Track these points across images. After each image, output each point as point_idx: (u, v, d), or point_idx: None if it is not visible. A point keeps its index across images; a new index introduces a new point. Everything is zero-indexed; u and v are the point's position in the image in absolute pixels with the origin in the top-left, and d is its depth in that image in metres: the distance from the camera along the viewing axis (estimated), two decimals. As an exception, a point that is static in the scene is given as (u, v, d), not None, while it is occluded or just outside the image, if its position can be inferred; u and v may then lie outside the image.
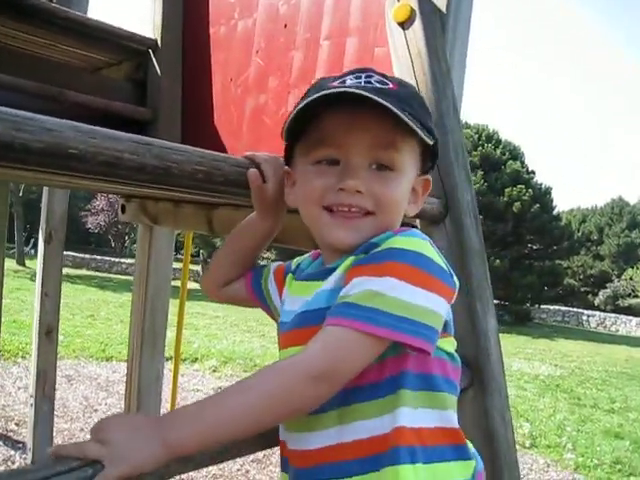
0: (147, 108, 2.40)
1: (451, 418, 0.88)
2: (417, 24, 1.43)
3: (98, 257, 25.40)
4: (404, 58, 1.45)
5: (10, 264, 19.99)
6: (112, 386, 5.63)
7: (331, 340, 0.76)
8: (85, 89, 2.29)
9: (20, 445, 3.90)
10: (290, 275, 1.06)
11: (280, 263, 1.15)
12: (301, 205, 0.95)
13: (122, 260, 24.65)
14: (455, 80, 1.52)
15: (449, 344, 0.90)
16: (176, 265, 4.18)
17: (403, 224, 0.95)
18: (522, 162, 25.09)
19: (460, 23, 1.55)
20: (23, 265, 20.54)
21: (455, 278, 0.86)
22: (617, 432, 6.19)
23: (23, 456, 3.69)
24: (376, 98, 0.79)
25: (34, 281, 3.49)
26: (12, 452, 3.86)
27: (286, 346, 0.93)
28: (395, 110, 0.80)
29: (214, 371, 6.89)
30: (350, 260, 0.86)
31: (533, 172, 25.51)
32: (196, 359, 7.36)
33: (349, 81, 0.87)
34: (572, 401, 7.78)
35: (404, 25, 1.46)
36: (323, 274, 0.92)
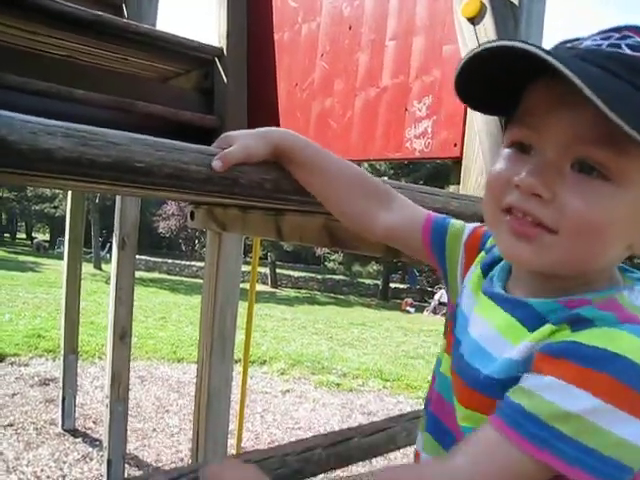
0: (214, 116, 2.43)
1: None
2: (488, 19, 1.38)
3: (169, 260, 26.22)
4: (475, 55, 1.39)
5: (88, 268, 20.89)
6: (183, 387, 5.76)
7: (491, 449, 0.59)
8: (155, 99, 2.35)
9: (97, 442, 4.05)
10: (479, 270, 0.80)
11: (478, 226, 0.87)
12: (483, 204, 0.71)
13: (192, 263, 25.34)
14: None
15: None
16: (245, 268, 4.23)
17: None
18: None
19: (534, 16, 1.48)
20: (100, 269, 21.44)
21: None
22: None
23: (100, 453, 3.82)
24: (567, 72, 0.53)
25: (109, 284, 3.61)
26: (90, 449, 4.02)
27: (466, 405, 0.70)
28: (593, 97, 0.52)
29: (282, 373, 6.94)
30: (549, 330, 0.61)
31: None
32: (264, 361, 7.43)
33: (588, 42, 0.61)
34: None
35: (474, 20, 1.41)
36: (516, 308, 0.68)
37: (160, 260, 26.01)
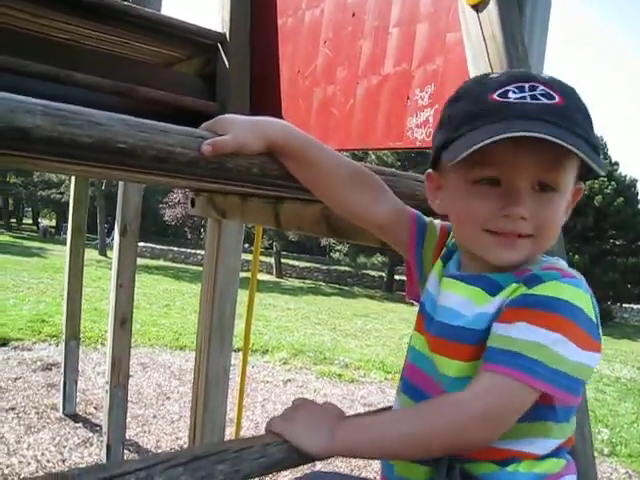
0: (216, 102, 2.41)
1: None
2: (492, 5, 1.34)
3: (175, 248, 26.26)
4: (477, 42, 1.36)
5: (93, 254, 20.98)
6: (184, 375, 5.77)
7: (493, 386, 0.80)
8: (158, 85, 2.33)
9: (98, 428, 4.06)
10: (440, 262, 1.02)
11: (441, 223, 1.08)
12: (456, 222, 0.94)
13: (198, 251, 25.35)
14: (533, 66, 1.42)
15: None
16: (248, 256, 4.21)
17: None
18: (605, 153, 23.97)
19: (539, 6, 1.45)
20: (105, 256, 21.48)
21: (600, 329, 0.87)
22: None
23: (100, 439, 3.83)
24: (552, 139, 0.75)
25: (114, 271, 3.60)
26: (90, 434, 4.04)
27: (437, 351, 0.93)
28: (572, 148, 0.76)
29: (284, 363, 6.94)
30: (513, 288, 0.85)
31: (617, 163, 24.33)
32: (267, 351, 7.44)
33: (512, 94, 0.81)
34: (657, 407, 7.36)
35: (478, 7, 1.38)
36: (480, 281, 0.91)
37: (165, 248, 26.04)
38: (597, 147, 0.82)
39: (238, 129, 0.89)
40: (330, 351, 7.99)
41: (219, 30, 2.47)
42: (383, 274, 25.51)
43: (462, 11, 1.44)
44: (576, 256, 21.29)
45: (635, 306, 26.42)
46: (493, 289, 0.88)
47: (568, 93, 0.83)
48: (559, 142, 0.75)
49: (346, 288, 23.43)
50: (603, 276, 21.95)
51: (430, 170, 0.98)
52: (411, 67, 1.72)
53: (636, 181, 24.46)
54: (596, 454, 4.91)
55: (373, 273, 26.40)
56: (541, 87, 0.81)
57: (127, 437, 3.84)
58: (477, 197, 0.86)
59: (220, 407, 2.73)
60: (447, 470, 0.87)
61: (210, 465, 0.70)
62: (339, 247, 25.61)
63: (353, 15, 1.95)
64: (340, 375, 6.61)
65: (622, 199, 22.39)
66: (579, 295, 0.81)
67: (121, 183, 3.39)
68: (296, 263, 28.09)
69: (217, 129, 0.88)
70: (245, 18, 2.41)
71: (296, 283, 22.70)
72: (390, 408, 1.12)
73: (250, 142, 0.89)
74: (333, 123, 1.97)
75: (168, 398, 5.06)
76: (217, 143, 0.84)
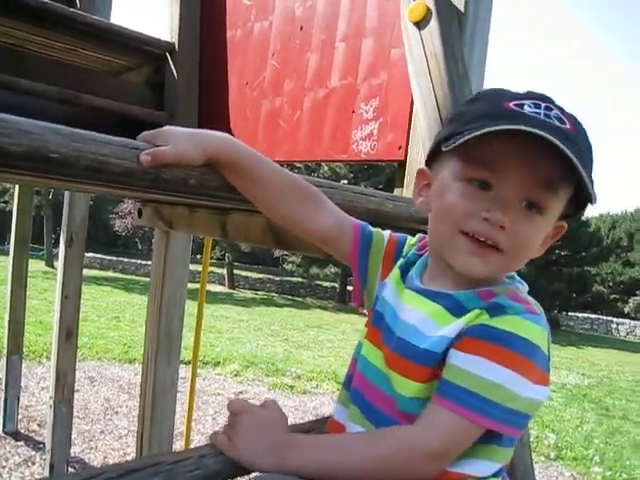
0: (164, 112, 2.39)
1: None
2: (433, 24, 1.38)
3: (125, 259, 25.74)
4: (419, 59, 1.40)
5: (39, 265, 20.36)
6: (134, 388, 5.65)
7: (447, 426, 0.81)
8: (105, 93, 2.29)
9: (41, 446, 3.92)
10: (398, 271, 1.01)
11: (391, 234, 1.08)
12: (435, 220, 0.92)
13: (148, 262, 24.80)
14: (474, 82, 1.46)
15: None
16: (200, 268, 4.17)
17: None
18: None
19: (479, 23, 1.50)
20: (52, 267, 20.85)
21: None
22: (647, 445, 6.02)
23: (43, 457, 3.71)
24: (563, 147, 0.75)
25: (61, 283, 3.50)
26: (33, 453, 3.89)
27: (394, 368, 0.91)
28: (577, 163, 0.76)
29: (236, 375, 6.88)
30: (476, 314, 0.84)
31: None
32: (218, 363, 7.36)
33: (527, 107, 0.82)
34: (600, 412, 7.60)
35: (420, 25, 1.42)
36: (442, 299, 0.90)
37: (115, 259, 25.50)
38: (593, 182, 0.82)
39: (178, 140, 0.88)
40: (282, 362, 7.95)
41: (168, 39, 2.46)
42: (336, 285, 25.58)
43: (405, 28, 1.48)
44: (524, 267, 21.82)
45: (580, 314, 27.29)
46: (456, 310, 0.87)
47: (578, 124, 0.85)
48: (567, 153, 0.75)
49: (299, 299, 23.40)
50: (549, 286, 22.61)
51: (423, 167, 0.98)
52: (356, 81, 1.75)
53: (580, 194, 25.30)
54: (543, 458, 5.06)
55: (326, 284, 26.44)
56: (555, 111, 0.82)
57: (72, 454, 3.72)
58: (464, 195, 0.85)
59: (167, 420, 2.68)
60: None
61: (144, 478, 0.69)
62: (292, 258, 25.58)
63: (301, 28, 1.97)
64: (292, 387, 6.59)
65: (567, 211, 23.11)
66: (538, 332, 0.82)
67: (67, 192, 3.31)
68: (249, 274, 27.87)
69: (157, 140, 0.87)
70: (194, 28, 2.41)
71: (249, 294, 22.54)
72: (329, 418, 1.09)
73: (190, 154, 0.88)
74: (280, 135, 1.98)
75: (116, 413, 4.93)
76: (156, 154, 0.83)
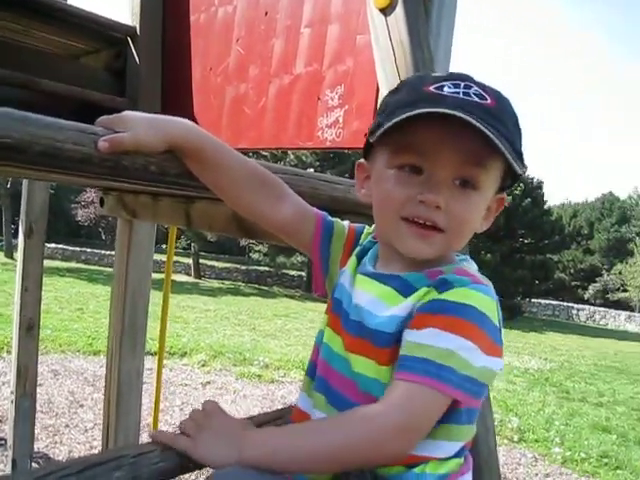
0: (125, 98, 2.33)
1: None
2: (399, 10, 1.38)
3: (88, 250, 25.26)
4: (385, 45, 1.39)
5: (-2, 257, 19.86)
6: (99, 381, 5.55)
7: (407, 397, 0.80)
8: (63, 78, 2.22)
9: (2, 442, 3.83)
10: (355, 258, 1.02)
11: (350, 224, 1.10)
12: (376, 209, 0.94)
13: (112, 253, 24.42)
14: (439, 69, 1.46)
15: None
16: (165, 258, 4.12)
17: None
18: (514, 156, 25.08)
19: (445, 9, 1.49)
20: (12, 258, 20.33)
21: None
22: (605, 426, 6.20)
23: (5, 453, 3.62)
24: (479, 125, 0.78)
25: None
26: (-7, 448, 3.80)
27: (352, 350, 0.92)
28: (495, 140, 0.79)
29: (203, 365, 6.83)
30: (423, 292, 0.87)
31: (525, 166, 25.55)
32: (185, 353, 7.29)
33: (447, 89, 0.85)
34: (561, 395, 7.80)
35: (385, 11, 1.41)
36: (392, 281, 0.92)
37: (78, 249, 24.99)
38: (521, 155, 0.86)
39: (138, 126, 0.86)
40: (250, 352, 7.93)
41: (129, 23, 2.39)
42: (303, 274, 25.61)
43: (370, 14, 1.47)
44: (488, 255, 22.21)
45: (543, 301, 27.94)
46: (405, 290, 0.89)
47: (501, 98, 0.87)
48: (484, 130, 0.78)
49: (266, 288, 23.35)
50: (513, 273, 23.03)
51: (361, 160, 1.00)
52: (322, 67, 1.73)
53: (542, 183, 25.80)
54: (506, 441, 5.17)
55: (293, 273, 26.45)
56: (475, 87, 0.85)
57: (36, 449, 3.64)
58: (398, 183, 0.87)
59: (133, 412, 2.65)
60: (359, 473, 0.87)
61: (106, 472, 0.67)
62: (258, 247, 25.49)
63: (266, 14, 1.95)
64: (260, 376, 6.57)
65: (530, 200, 23.55)
66: (486, 302, 0.84)
67: (25, 181, 3.21)
68: (215, 264, 27.68)
69: (116, 126, 0.85)
70: (156, 12, 2.35)
71: (215, 284, 22.39)
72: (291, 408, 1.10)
73: (150, 140, 0.87)
74: (245, 122, 1.95)
75: (81, 406, 4.85)
76: (115, 140, 0.81)
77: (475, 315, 0.82)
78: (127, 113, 0.88)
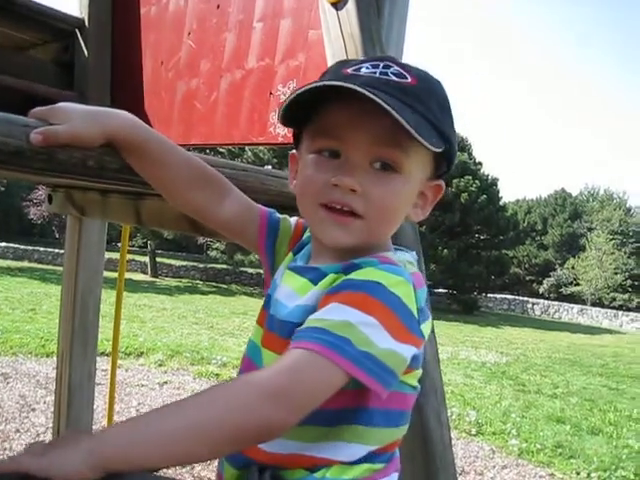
0: (74, 91, 2.27)
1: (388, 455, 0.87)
2: (350, 5, 1.37)
3: (41, 249, 24.59)
4: (337, 40, 1.39)
5: (-54, 257, 19.17)
6: (52, 383, 5.37)
7: (292, 361, 0.71)
8: (9, 70, 2.14)
9: (-52, 449, 3.70)
10: (291, 254, 0.99)
11: (298, 219, 1.05)
12: (298, 197, 0.89)
13: (67, 252, 23.89)
14: (392, 65, 1.46)
15: (414, 378, 0.87)
16: (117, 255, 4.04)
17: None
18: (469, 154, 25.56)
19: (397, 5, 1.49)
20: (-40, 258, 19.69)
21: (424, 325, 0.82)
22: (559, 417, 6.37)
23: (-49, 460, 3.49)
24: (372, 96, 0.73)
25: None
26: (-62, 456, 3.66)
27: (266, 345, 0.90)
28: (392, 111, 0.73)
29: (160, 365, 6.73)
30: (331, 278, 0.82)
31: (480, 163, 26.04)
32: (142, 353, 7.18)
33: (364, 69, 0.82)
34: (517, 387, 7.97)
35: (337, 5, 1.40)
36: (309, 273, 0.88)
37: (31, 248, 24.30)
38: (444, 132, 0.82)
39: (74, 119, 0.83)
40: (208, 350, 7.86)
41: (77, 15, 2.33)
42: (261, 271, 25.13)
43: (322, 9, 1.46)
44: (445, 250, 22.54)
45: (498, 295, 28.51)
46: (317, 280, 0.85)
47: (424, 78, 0.84)
48: (384, 105, 0.73)
49: (224, 286, 23.19)
50: (469, 269, 23.45)
51: (293, 151, 0.97)
52: (274, 62, 1.71)
53: (497, 180, 26.29)
54: (464, 435, 5.25)
55: (251, 270, 26.29)
56: (395, 67, 0.82)
57: (-17, 456, 3.53)
58: (315, 168, 0.84)
59: (85, 415, 2.59)
60: (258, 475, 0.81)
61: None
62: (216, 245, 25.26)
63: (218, 7, 1.91)
64: (218, 375, 6.52)
65: (485, 197, 23.98)
66: (396, 281, 0.76)
67: (-30, 178, 3.10)
68: (172, 262, 27.30)
69: (51, 118, 0.81)
70: (105, 3, 2.29)
71: (172, 282, 22.11)
72: None
73: (86, 133, 0.83)
74: (197, 117, 1.92)
75: (33, 410, 4.71)
76: (49, 132, 0.78)
77: (382, 293, 0.74)
78: (63, 104, 0.85)
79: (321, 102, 0.82)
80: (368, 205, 0.81)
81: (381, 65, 0.82)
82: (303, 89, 0.78)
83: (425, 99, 0.81)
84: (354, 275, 0.78)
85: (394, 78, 0.80)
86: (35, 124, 0.71)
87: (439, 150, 0.80)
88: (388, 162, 0.82)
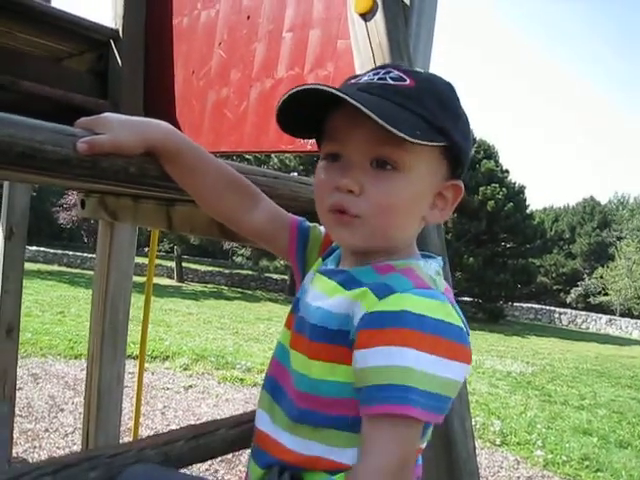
0: (108, 100, 2.33)
1: None
2: (379, 15, 1.40)
3: (70, 253, 25.04)
4: (365, 50, 1.41)
5: (-22, 260, 19.59)
6: (80, 384, 5.51)
7: (386, 435, 0.73)
8: (45, 80, 2.21)
9: (-19, 447, 3.78)
10: (320, 259, 1.00)
11: None
12: (315, 204, 0.91)
13: (94, 255, 24.25)
14: (419, 74, 1.48)
15: None
16: (147, 261, 4.11)
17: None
18: (496, 161, 25.36)
19: (424, 17, 1.51)
20: (-8, 261, 20.08)
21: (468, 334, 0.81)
22: (586, 428, 6.26)
23: (-16, 458, 3.58)
24: (345, 97, 0.75)
25: None
26: (-28, 454, 3.75)
27: (294, 346, 0.90)
28: (365, 110, 0.73)
29: (185, 369, 6.80)
30: (361, 292, 0.80)
31: (507, 171, 25.81)
32: (167, 357, 7.26)
33: (365, 77, 0.85)
34: (543, 398, 7.86)
35: (366, 16, 1.43)
36: (338, 275, 0.88)
37: (60, 252, 24.78)
38: (442, 128, 0.81)
39: (117, 129, 0.87)
40: (232, 355, 7.91)
41: (112, 26, 2.39)
42: (286, 277, 25.57)
43: (351, 20, 1.48)
44: (470, 259, 22.37)
45: (525, 305, 28.15)
46: (347, 283, 0.85)
47: (425, 79, 0.85)
48: (343, 96, 0.75)
49: (249, 292, 23.31)
50: (495, 277, 23.22)
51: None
52: (303, 72, 1.75)
53: (524, 188, 26.05)
54: (489, 444, 5.20)
55: (276, 276, 26.40)
56: (396, 72, 0.83)
57: (15, 454, 3.61)
58: (322, 173, 0.87)
59: (113, 416, 2.63)
60: (278, 475, 0.85)
61: (82, 472, 0.67)
62: (242, 251, 25.45)
63: (248, 18, 1.96)
64: (242, 379, 6.56)
65: (512, 204, 23.76)
66: (431, 306, 0.75)
67: (6, 183, 3.19)
68: (198, 267, 27.54)
69: (95, 127, 0.85)
70: (139, 14, 2.35)
71: (198, 287, 22.30)
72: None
73: (128, 143, 0.87)
74: (227, 125, 1.96)
75: (62, 410, 4.81)
76: (94, 142, 0.82)
77: (423, 322, 0.73)
78: (106, 115, 0.89)
79: (330, 112, 0.84)
80: (368, 205, 0.81)
81: (382, 72, 0.84)
82: (283, 97, 0.81)
83: (421, 98, 0.81)
84: (391, 305, 0.75)
85: (390, 82, 0.82)
86: (81, 134, 0.75)
87: (431, 144, 0.79)
88: (386, 160, 0.81)
